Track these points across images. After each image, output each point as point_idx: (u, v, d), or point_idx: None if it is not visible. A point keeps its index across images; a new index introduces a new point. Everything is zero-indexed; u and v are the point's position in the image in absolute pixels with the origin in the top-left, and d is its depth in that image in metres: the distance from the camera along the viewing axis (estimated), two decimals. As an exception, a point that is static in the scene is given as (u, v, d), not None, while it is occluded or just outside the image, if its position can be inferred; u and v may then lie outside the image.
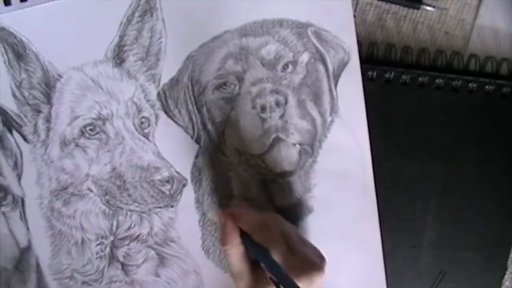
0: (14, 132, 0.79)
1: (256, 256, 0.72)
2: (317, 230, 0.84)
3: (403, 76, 0.86)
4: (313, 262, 0.72)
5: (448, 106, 0.87)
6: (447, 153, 0.88)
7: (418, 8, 0.87)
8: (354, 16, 0.87)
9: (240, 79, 0.81)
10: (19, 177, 0.80)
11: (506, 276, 0.89)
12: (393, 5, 0.88)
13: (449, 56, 0.89)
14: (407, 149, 0.87)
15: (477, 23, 0.88)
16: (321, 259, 0.74)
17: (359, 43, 0.86)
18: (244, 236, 0.73)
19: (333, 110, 0.84)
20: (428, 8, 0.87)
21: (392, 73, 0.86)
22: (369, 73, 0.86)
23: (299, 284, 0.66)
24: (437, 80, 0.87)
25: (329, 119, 0.84)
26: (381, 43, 0.88)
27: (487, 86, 0.87)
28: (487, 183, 0.88)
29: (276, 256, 0.70)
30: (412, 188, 0.88)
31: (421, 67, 0.88)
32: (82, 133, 0.79)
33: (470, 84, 0.87)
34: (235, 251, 0.74)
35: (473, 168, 0.88)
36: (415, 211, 0.88)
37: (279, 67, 0.82)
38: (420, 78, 0.87)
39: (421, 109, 0.87)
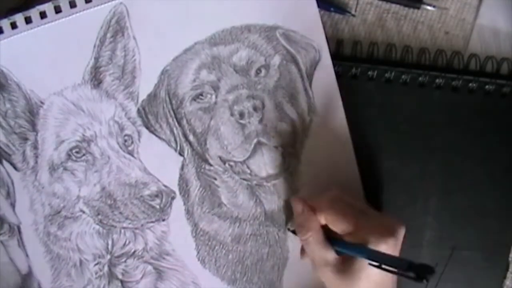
0: (4, 162, 0.83)
1: (351, 254, 0.75)
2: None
3: (403, 76, 0.89)
4: (390, 219, 0.76)
5: (448, 106, 0.89)
6: (447, 153, 0.89)
7: (418, 8, 0.89)
8: (354, 16, 0.90)
9: (216, 88, 0.84)
10: (13, 205, 0.84)
11: (506, 276, 0.90)
12: (393, 5, 0.90)
13: (449, 56, 0.90)
14: (407, 149, 0.89)
15: (477, 23, 0.90)
16: (392, 215, 0.79)
17: (359, 42, 0.89)
18: (335, 242, 0.77)
19: (311, 109, 0.86)
20: (429, 7, 0.89)
21: (392, 73, 0.88)
22: (369, 73, 0.88)
23: (389, 245, 0.71)
24: (437, 80, 0.89)
25: (308, 118, 0.86)
26: (381, 43, 0.91)
27: (487, 86, 0.88)
28: (487, 183, 0.89)
29: (355, 224, 0.74)
30: (412, 188, 0.90)
31: (421, 67, 0.90)
32: (68, 156, 0.83)
33: (470, 84, 0.88)
34: (317, 237, 0.77)
35: (473, 168, 0.89)
36: (415, 211, 0.90)
37: (252, 72, 0.85)
38: (420, 78, 0.88)
39: (421, 109, 0.89)
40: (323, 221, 0.78)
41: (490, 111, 0.89)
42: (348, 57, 0.91)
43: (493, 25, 0.90)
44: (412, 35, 0.90)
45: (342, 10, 0.90)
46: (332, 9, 0.89)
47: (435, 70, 0.89)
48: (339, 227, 0.76)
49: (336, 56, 0.88)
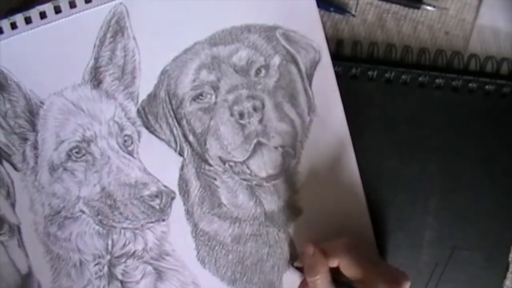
0: (4, 162, 0.84)
1: None
2: (308, 232, 0.88)
3: (403, 76, 0.89)
4: (397, 272, 0.78)
5: (448, 106, 0.89)
6: (447, 153, 0.90)
7: (418, 8, 0.90)
8: (354, 16, 0.90)
9: (216, 88, 0.85)
10: (13, 205, 0.84)
11: (506, 276, 0.91)
12: (393, 5, 0.90)
13: (449, 56, 0.91)
14: (407, 149, 0.90)
15: (477, 23, 0.91)
16: (399, 269, 0.79)
17: (359, 42, 0.90)
18: (341, 284, 0.79)
19: (311, 109, 0.87)
20: (429, 8, 0.90)
21: (393, 73, 0.89)
22: (369, 73, 0.89)
23: None
24: (437, 80, 0.89)
25: (307, 119, 0.87)
26: (381, 43, 0.91)
27: (487, 86, 0.89)
28: (487, 183, 0.90)
29: (367, 273, 0.76)
30: (412, 188, 0.90)
31: (421, 67, 0.90)
32: (68, 156, 0.83)
33: (470, 84, 0.89)
34: (325, 280, 0.79)
35: (473, 168, 0.90)
36: (415, 211, 0.90)
37: (252, 72, 0.85)
38: (420, 78, 0.89)
39: (421, 109, 0.90)
40: (335, 264, 0.79)
41: (490, 111, 0.89)
42: (348, 57, 0.91)
43: (493, 25, 0.90)
44: (412, 35, 0.91)
45: (342, 10, 0.90)
46: (332, 9, 0.89)
47: (435, 70, 0.89)
48: (351, 272, 0.77)
49: (336, 56, 0.89)
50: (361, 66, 0.89)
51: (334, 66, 0.88)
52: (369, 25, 0.91)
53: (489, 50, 0.91)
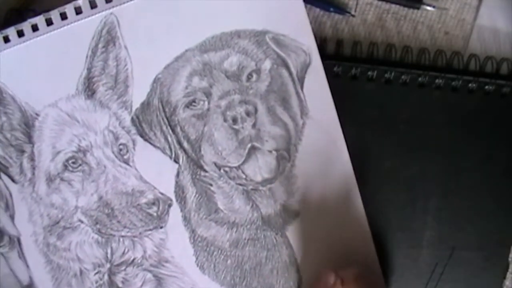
0: (2, 175, 0.85)
1: None
2: (305, 234, 0.88)
3: (403, 76, 0.89)
4: None
5: (448, 106, 0.89)
6: (447, 153, 0.89)
7: (418, 8, 0.90)
8: (354, 16, 0.91)
9: (208, 94, 0.85)
10: (12, 217, 0.85)
11: (506, 276, 0.90)
12: (393, 5, 0.90)
13: (449, 56, 0.91)
14: (407, 149, 0.90)
15: (477, 23, 0.90)
16: None
17: (359, 43, 0.90)
18: None
19: (303, 112, 0.87)
20: (428, 8, 0.90)
21: (392, 73, 0.89)
22: (369, 73, 0.89)
23: None
24: (437, 80, 0.89)
25: (300, 122, 0.87)
26: (381, 43, 0.91)
27: (487, 86, 0.88)
28: (487, 183, 0.89)
29: None
30: (412, 188, 0.90)
31: (421, 67, 0.90)
32: (65, 167, 0.84)
33: (470, 84, 0.89)
34: None
35: (473, 168, 0.89)
36: (415, 211, 0.90)
37: (244, 77, 0.86)
38: (420, 78, 0.89)
39: (421, 109, 0.89)
40: None
41: (490, 111, 0.89)
42: (348, 57, 0.91)
43: (493, 25, 0.90)
44: (412, 35, 0.91)
45: (342, 10, 0.90)
46: (331, 9, 0.89)
47: (435, 70, 0.89)
48: None
49: (336, 56, 0.89)
50: (361, 66, 0.89)
51: (333, 67, 0.88)
52: (369, 25, 0.91)
53: (489, 50, 0.90)
